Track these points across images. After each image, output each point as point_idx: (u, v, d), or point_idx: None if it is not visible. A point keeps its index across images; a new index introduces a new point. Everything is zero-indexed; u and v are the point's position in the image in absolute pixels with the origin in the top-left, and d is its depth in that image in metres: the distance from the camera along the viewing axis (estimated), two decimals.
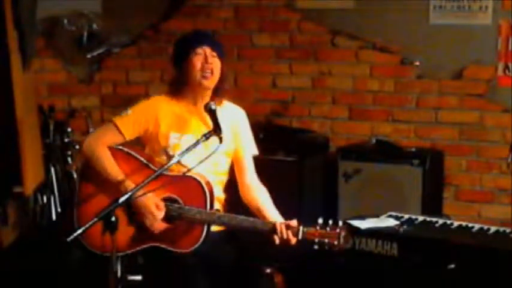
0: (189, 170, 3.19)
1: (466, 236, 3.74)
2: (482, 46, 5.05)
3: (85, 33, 5.63)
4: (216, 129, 3.21)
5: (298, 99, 5.55)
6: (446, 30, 5.14)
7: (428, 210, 4.65)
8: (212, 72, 3.36)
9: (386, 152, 5.05)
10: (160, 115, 3.38)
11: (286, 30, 5.53)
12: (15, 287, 4.44)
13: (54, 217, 5.16)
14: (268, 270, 3.51)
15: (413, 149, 5.10)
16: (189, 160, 3.20)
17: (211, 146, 3.22)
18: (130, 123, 3.36)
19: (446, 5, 5.11)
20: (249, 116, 3.59)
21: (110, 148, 3.34)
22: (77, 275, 4.44)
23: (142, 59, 5.91)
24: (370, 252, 3.77)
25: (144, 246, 3.29)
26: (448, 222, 3.99)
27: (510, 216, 4.79)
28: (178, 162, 3.18)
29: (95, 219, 2.85)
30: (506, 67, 4.99)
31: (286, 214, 3.29)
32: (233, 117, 3.47)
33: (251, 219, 3.25)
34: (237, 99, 3.57)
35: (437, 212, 4.95)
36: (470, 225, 3.89)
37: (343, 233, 3.11)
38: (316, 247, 3.12)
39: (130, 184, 3.22)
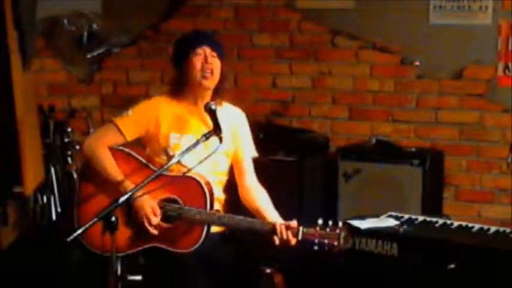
0: (188, 170, 3.19)
1: (466, 236, 3.74)
2: (482, 46, 5.05)
3: (85, 33, 5.64)
4: (216, 129, 3.21)
5: (298, 99, 5.55)
6: (446, 30, 5.14)
7: (428, 210, 4.65)
8: (212, 73, 3.36)
9: (387, 152, 5.05)
10: (160, 115, 3.38)
11: (286, 30, 5.53)
12: (15, 287, 4.44)
13: (54, 217, 5.16)
14: (268, 271, 3.51)
15: (413, 149, 5.10)
16: (189, 160, 3.20)
17: (211, 146, 3.22)
18: (131, 123, 3.36)
19: (446, 5, 5.11)
20: (249, 116, 3.59)
21: (110, 148, 3.35)
22: (77, 275, 4.44)
23: (142, 59, 5.91)
24: (370, 252, 3.77)
25: (144, 246, 3.29)
26: (448, 222, 3.99)
27: (510, 216, 4.79)
28: (178, 162, 3.18)
29: (95, 219, 2.85)
30: (506, 67, 4.99)
31: (286, 214, 3.28)
32: (233, 118, 3.47)
33: (251, 219, 3.25)
34: (237, 99, 3.57)
35: (437, 212, 4.95)
36: (470, 225, 3.89)
37: (343, 234, 3.11)
38: (316, 248, 3.12)
39: (129, 184, 3.22)
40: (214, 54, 3.38)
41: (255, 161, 3.54)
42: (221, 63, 3.40)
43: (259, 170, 3.53)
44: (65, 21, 5.59)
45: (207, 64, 3.35)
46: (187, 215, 3.23)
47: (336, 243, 3.10)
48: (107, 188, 3.29)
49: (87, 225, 2.85)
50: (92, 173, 3.36)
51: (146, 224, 3.22)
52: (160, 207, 3.27)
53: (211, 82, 3.38)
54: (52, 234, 5.02)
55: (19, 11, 4.61)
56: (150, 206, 3.22)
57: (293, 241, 3.15)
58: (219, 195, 3.42)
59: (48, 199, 5.15)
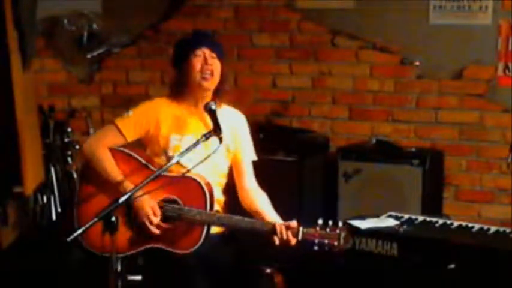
0: (188, 171, 3.20)
1: (466, 236, 3.74)
2: (482, 46, 5.05)
3: (85, 33, 5.63)
4: (216, 129, 3.21)
5: (298, 99, 5.55)
6: (446, 30, 5.13)
7: (428, 210, 4.65)
8: (212, 74, 3.36)
9: (387, 152, 5.05)
10: (161, 117, 3.38)
11: (286, 30, 5.53)
12: (15, 287, 4.44)
13: (54, 217, 5.16)
14: (268, 271, 3.52)
15: (413, 149, 5.10)
16: (189, 161, 3.20)
17: (211, 146, 3.23)
18: (131, 124, 3.37)
19: (446, 5, 5.11)
20: (249, 116, 3.59)
21: (110, 149, 3.35)
22: (77, 275, 4.44)
23: (142, 59, 5.91)
24: (370, 252, 3.77)
25: (144, 247, 3.29)
26: (448, 222, 3.99)
27: (510, 216, 4.79)
28: (178, 163, 3.19)
29: (95, 219, 2.85)
30: (506, 67, 4.99)
31: (286, 214, 3.29)
32: (233, 121, 3.47)
33: (251, 220, 3.26)
34: (238, 100, 3.57)
35: (437, 212, 4.95)
36: (470, 225, 3.89)
37: (343, 234, 3.11)
38: (316, 248, 3.12)
39: (129, 184, 3.22)
40: (214, 55, 3.38)
41: (255, 161, 3.54)
42: (221, 65, 3.40)
43: (259, 170, 3.53)
44: (65, 21, 5.59)
45: (207, 65, 3.36)
46: (187, 216, 3.23)
47: (336, 243, 3.11)
48: (107, 189, 3.29)
49: (87, 225, 2.85)
50: (92, 173, 3.36)
51: (147, 224, 3.21)
52: (160, 208, 3.27)
53: (211, 83, 3.38)
54: (52, 234, 5.01)
55: (19, 11, 4.61)
56: (150, 206, 3.22)
57: (293, 241, 3.15)
58: (219, 197, 3.42)
59: (48, 199, 5.15)
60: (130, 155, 3.36)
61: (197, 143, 3.18)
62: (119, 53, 5.91)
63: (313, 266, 3.84)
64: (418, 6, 5.16)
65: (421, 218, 4.04)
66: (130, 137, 3.38)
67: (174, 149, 3.33)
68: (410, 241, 3.71)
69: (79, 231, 2.84)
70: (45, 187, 5.11)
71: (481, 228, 3.83)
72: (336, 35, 5.41)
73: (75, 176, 5.16)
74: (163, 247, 3.25)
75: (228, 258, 3.33)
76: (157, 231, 3.23)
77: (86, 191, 3.38)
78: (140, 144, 3.45)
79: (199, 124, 3.38)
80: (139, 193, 3.15)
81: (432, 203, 4.95)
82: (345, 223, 3.22)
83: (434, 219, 4.02)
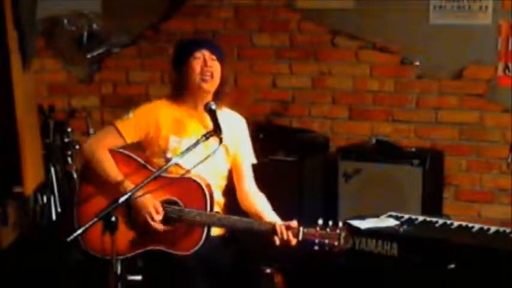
0: (187, 172, 3.20)
1: (466, 236, 3.74)
2: (482, 46, 5.05)
3: (85, 33, 5.64)
4: (216, 130, 3.21)
5: (298, 99, 5.55)
6: (446, 30, 5.13)
7: (428, 210, 4.65)
8: (212, 76, 3.36)
9: (387, 152, 5.05)
10: (160, 119, 3.39)
11: (286, 30, 5.53)
12: (15, 287, 4.44)
13: (54, 217, 5.16)
14: (268, 271, 3.52)
15: (413, 149, 5.09)
16: (189, 163, 3.20)
17: (211, 148, 3.23)
18: (131, 126, 3.37)
19: (446, 5, 5.11)
20: (249, 116, 3.59)
21: (110, 151, 3.35)
22: (77, 275, 4.44)
23: (142, 59, 5.91)
24: (370, 252, 3.77)
25: (144, 249, 3.29)
26: (448, 222, 3.99)
27: (510, 216, 4.79)
28: (178, 164, 3.19)
29: (95, 219, 2.86)
30: (506, 67, 4.99)
31: (286, 214, 3.29)
32: (233, 124, 3.47)
33: (251, 220, 3.26)
34: (237, 100, 3.57)
35: (437, 212, 4.95)
36: (470, 225, 3.89)
37: (343, 234, 3.11)
38: (316, 248, 3.12)
39: (129, 185, 3.22)
40: (214, 57, 3.38)
41: (256, 161, 3.54)
42: (221, 67, 3.41)
43: (259, 170, 3.53)
44: (65, 21, 5.59)
45: (207, 67, 3.36)
46: (188, 217, 3.23)
47: (336, 243, 3.11)
48: (107, 189, 3.29)
49: (87, 225, 2.85)
50: (92, 174, 3.37)
51: (149, 221, 3.21)
52: None
53: (211, 85, 3.38)
54: (52, 234, 5.01)
55: (19, 11, 4.61)
56: (152, 204, 3.22)
57: (293, 241, 3.15)
58: (219, 199, 3.42)
59: (48, 199, 5.15)
60: (130, 156, 3.37)
61: (197, 143, 3.19)
62: (119, 53, 5.91)
63: (313, 266, 3.84)
64: (418, 6, 5.16)
65: (421, 218, 4.04)
66: (130, 139, 3.38)
67: (174, 151, 3.33)
68: (410, 241, 3.71)
69: (79, 231, 2.84)
70: (45, 187, 5.12)
71: (481, 228, 3.83)
72: (336, 35, 5.41)
73: (75, 176, 5.16)
74: (164, 249, 3.25)
75: (228, 260, 3.33)
76: (160, 227, 3.22)
77: (86, 192, 3.38)
78: (139, 146, 3.45)
79: (199, 127, 3.37)
80: (140, 193, 3.15)
81: (432, 203, 4.95)
82: (345, 223, 3.22)
83: (434, 219, 4.02)
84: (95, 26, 5.63)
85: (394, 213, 4.08)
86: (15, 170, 4.54)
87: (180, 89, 3.41)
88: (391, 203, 4.64)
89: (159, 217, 3.23)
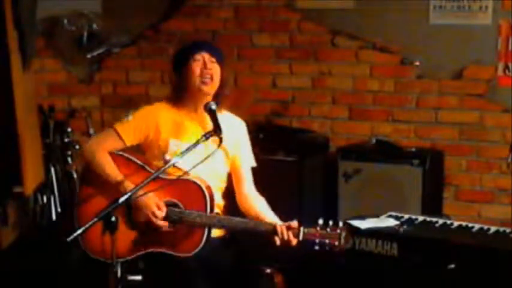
0: (185, 173, 3.20)
1: (466, 236, 3.74)
2: (482, 46, 5.05)
3: (85, 33, 5.63)
4: (216, 130, 3.21)
5: (298, 99, 5.55)
6: (446, 30, 5.13)
7: (428, 210, 4.65)
8: (211, 78, 3.36)
9: (387, 152, 5.05)
10: (160, 122, 3.39)
11: (286, 30, 5.53)
12: (15, 287, 4.44)
13: (54, 217, 5.16)
14: (268, 271, 3.51)
15: (413, 149, 5.09)
16: (189, 164, 3.20)
17: (211, 149, 3.23)
18: (131, 129, 3.37)
19: (446, 5, 5.11)
20: (249, 116, 3.60)
21: (110, 153, 3.35)
22: (77, 275, 4.44)
23: (142, 59, 5.91)
24: (370, 252, 3.77)
25: (145, 251, 3.29)
26: (448, 222, 3.99)
27: (510, 216, 4.79)
28: (177, 166, 3.19)
29: (95, 219, 2.86)
30: (506, 67, 4.99)
31: (286, 214, 3.29)
32: (233, 127, 3.47)
33: (251, 221, 3.26)
34: (238, 100, 3.57)
35: (437, 212, 4.95)
36: (470, 225, 3.89)
37: (343, 234, 3.11)
38: (317, 248, 3.12)
39: (129, 185, 3.22)
40: (214, 59, 3.38)
41: (256, 161, 3.54)
42: (221, 69, 3.41)
43: (259, 170, 3.53)
44: (65, 21, 5.59)
45: (206, 70, 3.36)
46: (188, 219, 3.23)
47: (336, 243, 3.11)
48: (107, 190, 3.29)
49: (87, 225, 2.85)
50: (92, 176, 3.37)
51: (152, 219, 3.21)
52: None
53: (211, 88, 3.38)
54: (52, 234, 5.02)
55: (19, 11, 4.61)
56: (154, 202, 3.22)
57: (294, 241, 3.15)
58: (219, 201, 3.42)
59: (48, 199, 5.15)
60: (130, 159, 3.37)
61: (197, 143, 3.18)
62: (119, 53, 5.91)
63: (313, 266, 3.84)
64: (418, 6, 5.16)
65: (421, 218, 4.04)
66: (130, 142, 3.38)
67: (173, 154, 3.32)
68: (410, 241, 3.71)
69: (79, 231, 2.85)
70: (45, 187, 5.12)
71: (481, 228, 3.83)
72: (336, 35, 5.41)
73: (75, 176, 5.16)
74: (165, 251, 3.25)
75: (228, 261, 3.34)
76: (164, 224, 3.22)
77: (86, 193, 3.38)
78: (139, 149, 3.45)
79: (198, 129, 3.37)
80: (140, 193, 3.15)
81: (432, 203, 4.95)
82: (345, 223, 3.22)
83: (434, 219, 4.02)
84: (95, 26, 5.63)
85: (394, 213, 4.08)
86: (15, 170, 4.54)
87: (180, 92, 3.41)
88: (391, 203, 4.64)
89: (161, 214, 3.23)
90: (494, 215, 5.05)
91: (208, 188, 3.28)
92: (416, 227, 3.89)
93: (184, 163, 3.22)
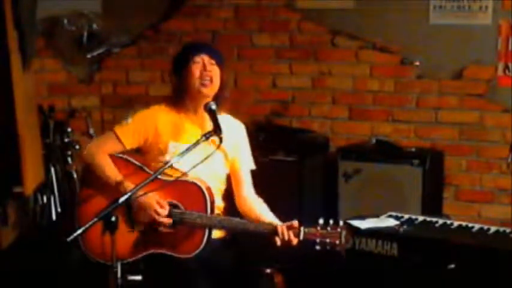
0: (183, 174, 3.21)
1: (466, 236, 3.74)
2: (482, 46, 5.05)
3: (85, 33, 5.63)
4: (216, 130, 3.21)
5: (298, 99, 5.55)
6: (446, 30, 5.14)
7: (428, 210, 4.65)
8: (211, 80, 3.36)
9: (387, 152, 5.05)
10: (159, 125, 3.39)
11: (286, 30, 5.53)
12: (15, 287, 4.44)
13: (54, 217, 5.16)
14: (268, 271, 3.51)
15: (413, 149, 5.10)
16: (188, 165, 3.21)
17: (210, 150, 3.23)
18: (130, 132, 3.37)
19: (446, 5, 5.11)
20: (249, 116, 3.59)
21: (110, 155, 3.35)
22: (77, 275, 4.44)
23: (142, 59, 5.91)
24: (370, 252, 3.77)
25: (146, 253, 3.29)
26: (448, 222, 3.99)
27: (510, 216, 4.79)
28: (175, 168, 3.19)
29: (95, 219, 2.86)
30: (506, 67, 4.99)
31: (286, 214, 3.29)
32: (233, 129, 3.47)
33: (252, 222, 3.26)
34: (237, 100, 3.57)
35: (437, 212, 4.95)
36: (470, 225, 3.89)
37: (344, 233, 3.11)
38: (318, 247, 3.13)
39: (130, 185, 3.22)
40: (213, 61, 3.38)
41: (256, 161, 3.55)
42: (220, 71, 3.41)
43: (259, 170, 3.53)
44: (65, 21, 5.59)
45: (206, 72, 3.36)
46: (189, 220, 3.23)
47: (337, 241, 3.11)
48: (107, 191, 3.29)
49: (87, 225, 2.85)
50: (92, 177, 3.37)
51: (155, 217, 3.21)
52: None
53: (211, 90, 3.38)
54: (52, 234, 5.01)
55: (19, 11, 4.61)
56: (155, 200, 3.22)
57: (295, 241, 3.15)
58: (219, 203, 3.42)
59: (48, 199, 5.15)
60: (130, 161, 3.37)
61: (197, 143, 3.18)
62: (119, 53, 5.91)
63: (313, 266, 3.84)
64: (418, 6, 5.16)
65: (421, 218, 4.04)
66: (129, 145, 3.38)
67: (173, 156, 3.32)
68: (410, 241, 3.71)
69: (79, 231, 2.85)
70: (45, 187, 5.11)
71: (481, 228, 3.83)
72: (336, 35, 5.41)
73: (75, 176, 5.16)
74: (165, 252, 3.25)
75: (228, 261, 3.34)
76: (168, 221, 3.22)
77: (87, 194, 3.38)
78: (139, 151, 3.45)
79: (198, 132, 3.36)
80: (140, 193, 3.15)
81: (432, 203, 4.95)
82: (345, 223, 3.22)
83: (434, 219, 4.02)
84: (95, 26, 5.63)
85: (394, 213, 4.07)
86: (15, 170, 4.54)
87: (180, 94, 3.41)
88: (391, 203, 4.64)
89: (164, 212, 3.23)
90: (494, 215, 5.05)
91: (209, 189, 3.28)
92: (416, 227, 3.89)
93: (183, 165, 3.22)
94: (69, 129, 5.25)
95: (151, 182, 3.11)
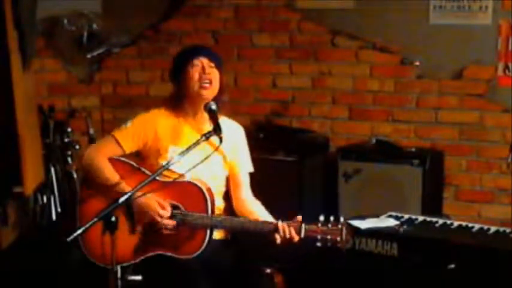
0: (181, 176, 3.21)
1: (466, 236, 3.74)
2: (482, 46, 5.05)
3: (85, 33, 5.63)
4: (216, 129, 3.21)
5: (298, 99, 5.55)
6: (446, 30, 5.13)
7: (428, 210, 4.65)
8: (211, 82, 3.36)
9: (387, 152, 5.05)
10: (159, 129, 3.39)
11: (286, 30, 5.53)
12: (15, 287, 4.44)
13: (54, 217, 5.16)
14: (268, 271, 3.51)
15: (413, 149, 5.10)
16: (188, 166, 3.20)
17: (209, 152, 3.23)
18: (129, 136, 3.37)
19: (446, 5, 5.11)
20: (249, 116, 3.59)
21: (110, 159, 3.35)
22: (77, 275, 4.44)
23: (142, 59, 5.91)
24: (370, 252, 3.77)
25: (147, 255, 3.29)
26: (448, 222, 3.99)
27: (510, 216, 4.79)
28: (174, 170, 3.18)
29: (95, 219, 2.86)
30: (506, 67, 4.99)
31: (286, 214, 3.28)
32: (232, 132, 3.47)
33: (252, 220, 3.26)
34: (237, 100, 3.57)
35: (437, 212, 4.95)
36: (470, 225, 3.89)
37: (345, 229, 3.11)
38: (319, 244, 3.12)
39: (129, 187, 3.21)
40: (212, 64, 3.38)
41: (256, 161, 3.54)
42: (219, 74, 3.40)
43: (259, 170, 3.53)
44: (65, 21, 5.59)
45: (205, 74, 3.35)
46: (190, 220, 3.23)
47: (338, 238, 3.11)
48: (107, 192, 3.28)
49: (87, 225, 2.85)
50: (93, 179, 3.37)
51: (157, 219, 3.21)
52: None
53: (210, 92, 3.37)
54: (52, 234, 5.01)
55: (19, 11, 4.60)
56: (155, 201, 3.22)
57: (296, 238, 3.15)
58: (219, 203, 3.42)
59: (48, 199, 5.15)
60: (129, 163, 3.37)
61: (197, 143, 3.18)
62: (119, 53, 5.91)
63: (313, 266, 3.84)
64: (418, 6, 5.16)
65: (421, 218, 4.04)
66: (129, 149, 3.38)
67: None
68: (410, 241, 3.71)
69: (79, 231, 2.84)
70: (45, 187, 5.11)
71: (481, 228, 3.83)
72: (336, 35, 5.41)
73: (75, 176, 5.16)
74: (166, 253, 3.25)
75: (228, 261, 3.34)
76: (171, 223, 3.21)
77: (87, 194, 3.38)
78: (137, 156, 3.45)
79: (196, 137, 3.36)
80: (140, 194, 3.15)
81: (432, 203, 4.95)
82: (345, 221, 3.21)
83: (434, 219, 4.02)
84: (95, 26, 5.63)
85: (394, 213, 4.08)
86: (15, 170, 4.53)
87: (179, 97, 3.41)
88: (391, 203, 4.64)
89: (167, 213, 3.23)
90: (494, 215, 5.05)
91: (209, 190, 3.28)
92: (416, 227, 3.89)
93: (183, 166, 3.22)
94: (69, 129, 5.25)
95: (151, 183, 3.11)
